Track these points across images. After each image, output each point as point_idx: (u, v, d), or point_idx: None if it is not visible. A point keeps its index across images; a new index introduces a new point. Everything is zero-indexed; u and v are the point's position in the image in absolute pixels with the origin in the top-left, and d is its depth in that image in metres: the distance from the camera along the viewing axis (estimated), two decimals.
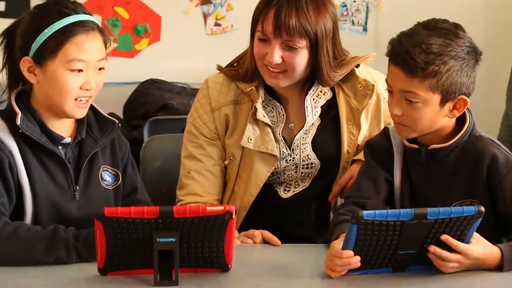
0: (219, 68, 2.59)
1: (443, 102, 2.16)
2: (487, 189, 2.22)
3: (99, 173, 2.33)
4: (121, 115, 4.33)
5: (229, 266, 2.06)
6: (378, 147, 2.36)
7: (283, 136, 2.54)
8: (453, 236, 2.01)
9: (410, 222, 1.96)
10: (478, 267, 2.05)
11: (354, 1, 4.91)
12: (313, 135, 2.54)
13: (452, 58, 2.13)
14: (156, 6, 4.80)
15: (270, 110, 2.54)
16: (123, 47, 4.78)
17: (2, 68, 2.30)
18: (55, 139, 2.25)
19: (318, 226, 2.61)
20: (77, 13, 2.21)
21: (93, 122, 2.33)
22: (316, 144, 2.54)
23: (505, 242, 2.15)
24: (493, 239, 2.09)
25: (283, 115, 2.54)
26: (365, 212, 1.94)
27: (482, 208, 1.98)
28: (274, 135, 2.52)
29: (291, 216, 2.58)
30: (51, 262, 2.08)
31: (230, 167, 2.56)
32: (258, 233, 2.36)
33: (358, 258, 2.00)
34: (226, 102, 2.54)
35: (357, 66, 2.55)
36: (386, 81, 2.22)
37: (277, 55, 2.40)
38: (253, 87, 2.50)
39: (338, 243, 2.03)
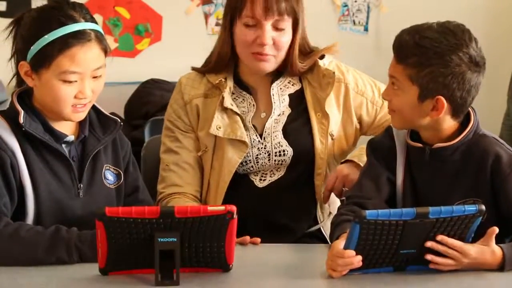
0: (193, 68, 2.66)
1: (421, 98, 2.16)
2: (490, 188, 2.22)
3: (102, 172, 2.33)
4: (122, 115, 4.33)
5: (230, 266, 2.06)
6: (380, 146, 2.36)
7: (253, 125, 2.58)
8: (453, 235, 2.01)
9: (412, 221, 1.96)
10: (479, 266, 2.05)
11: (355, 1, 4.91)
12: (284, 123, 2.59)
13: (438, 56, 2.13)
14: (157, 6, 4.80)
15: (241, 101, 2.60)
16: (124, 47, 4.78)
17: (11, 58, 2.28)
18: (58, 137, 2.25)
19: (296, 214, 2.61)
20: (75, 21, 2.19)
21: (95, 121, 2.34)
22: (287, 132, 2.58)
23: (507, 242, 2.15)
24: (496, 239, 2.08)
25: (253, 105, 2.60)
26: (367, 211, 1.94)
27: (483, 207, 1.98)
28: (244, 124, 2.56)
29: (270, 205, 2.59)
30: (52, 262, 2.08)
31: (204, 158, 2.60)
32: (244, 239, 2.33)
33: (359, 257, 2.00)
34: (196, 94, 2.60)
35: (322, 58, 2.62)
36: None
37: (269, 36, 2.48)
38: (222, 79, 2.57)
39: (339, 243, 2.02)
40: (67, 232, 2.11)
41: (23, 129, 2.19)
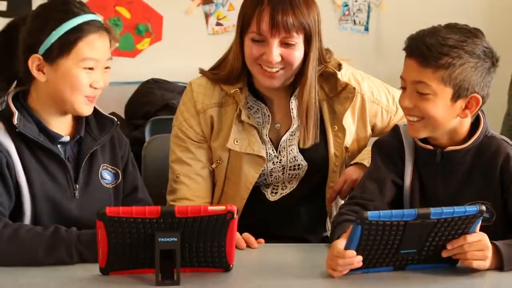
0: (201, 71, 2.58)
1: (454, 98, 2.15)
2: (500, 189, 2.21)
3: (99, 172, 2.33)
4: (122, 115, 4.33)
5: (231, 265, 2.06)
6: (388, 147, 2.34)
7: (269, 138, 2.53)
8: (454, 234, 2.01)
9: (413, 222, 1.96)
10: (485, 248, 2.02)
11: (356, 1, 4.91)
12: (299, 136, 2.52)
13: (467, 53, 2.12)
14: (158, 6, 4.80)
15: (256, 111, 2.53)
16: (124, 46, 4.77)
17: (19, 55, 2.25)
18: (53, 137, 2.25)
19: (309, 226, 2.60)
20: (86, 12, 2.23)
21: (92, 121, 2.34)
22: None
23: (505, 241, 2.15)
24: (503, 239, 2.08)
25: (269, 116, 2.53)
26: (369, 212, 1.93)
27: (483, 207, 1.98)
28: (260, 137, 2.51)
29: (281, 218, 2.57)
30: (52, 263, 2.08)
31: (218, 169, 2.55)
32: (241, 240, 2.30)
33: (360, 258, 2.00)
34: (211, 104, 2.52)
35: (340, 68, 2.53)
36: (401, 77, 2.20)
37: (276, 54, 2.39)
38: (237, 89, 2.48)
39: (340, 243, 2.02)
40: (66, 232, 2.11)
41: (17, 130, 2.19)
